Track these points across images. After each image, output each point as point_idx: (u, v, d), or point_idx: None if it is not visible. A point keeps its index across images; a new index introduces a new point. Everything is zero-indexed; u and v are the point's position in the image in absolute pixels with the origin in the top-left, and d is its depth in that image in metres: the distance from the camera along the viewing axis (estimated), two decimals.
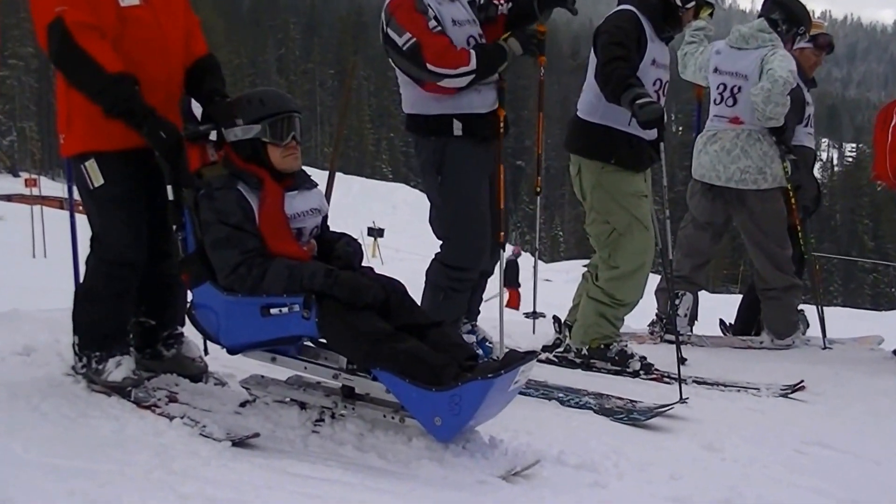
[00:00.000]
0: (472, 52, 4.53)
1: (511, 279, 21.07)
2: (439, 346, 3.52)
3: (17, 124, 66.28)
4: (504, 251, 5.02)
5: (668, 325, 6.22)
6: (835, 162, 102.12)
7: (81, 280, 4.09)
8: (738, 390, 5.08)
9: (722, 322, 7.04)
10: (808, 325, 6.55)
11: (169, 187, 3.73)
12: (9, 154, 65.53)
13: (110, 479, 2.97)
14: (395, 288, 3.68)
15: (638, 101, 4.67)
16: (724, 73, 6.20)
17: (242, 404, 3.84)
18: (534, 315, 5.90)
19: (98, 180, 3.82)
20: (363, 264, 3.86)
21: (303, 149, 3.85)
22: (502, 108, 4.78)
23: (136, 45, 3.79)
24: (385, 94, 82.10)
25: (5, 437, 3.29)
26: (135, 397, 3.80)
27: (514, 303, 20.28)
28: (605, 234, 5.30)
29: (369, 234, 36.26)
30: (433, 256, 4.83)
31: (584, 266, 6.04)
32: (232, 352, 3.76)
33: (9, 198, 42.62)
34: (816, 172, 7.82)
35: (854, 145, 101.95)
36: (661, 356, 5.41)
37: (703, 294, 6.75)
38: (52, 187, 42.36)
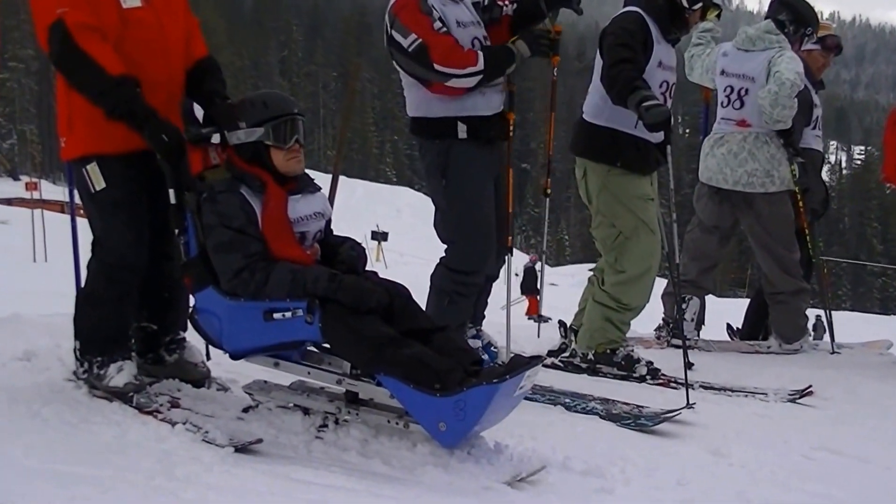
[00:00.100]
0: (480, 52, 4.51)
1: (530, 286, 21.13)
2: (444, 350, 3.50)
3: (18, 127, 66.34)
4: (511, 255, 5.00)
5: (674, 330, 6.19)
6: (843, 165, 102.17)
7: (83, 284, 4.07)
8: (746, 395, 5.06)
9: (729, 326, 7.02)
10: (825, 331, 6.51)
11: (171, 190, 3.71)
12: (9, 157, 65.64)
13: (112, 485, 2.96)
14: (399, 292, 3.66)
15: (644, 104, 4.64)
16: (730, 76, 6.16)
17: (245, 410, 3.82)
18: (539, 319, 5.87)
19: (100, 184, 3.80)
20: (367, 268, 3.84)
21: (305, 152, 3.84)
22: (512, 111, 4.77)
23: (137, 47, 3.77)
24: (389, 97, 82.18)
25: (6, 442, 3.26)
26: (137, 403, 3.78)
27: (533, 310, 20.38)
28: (612, 237, 5.27)
29: (373, 238, 36.32)
30: (438, 261, 4.80)
31: (590, 270, 6.03)
32: (234, 357, 3.74)
33: (9, 201, 42.58)
34: (825, 175, 7.80)
35: (863, 148, 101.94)
36: (668, 361, 5.39)
37: (710, 298, 6.72)
38: (53, 191, 42.48)
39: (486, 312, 5.17)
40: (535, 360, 3.52)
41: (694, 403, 4.56)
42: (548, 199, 5.79)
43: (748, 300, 7.51)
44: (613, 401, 4.59)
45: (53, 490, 2.86)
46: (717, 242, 6.46)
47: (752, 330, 6.76)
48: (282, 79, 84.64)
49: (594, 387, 4.93)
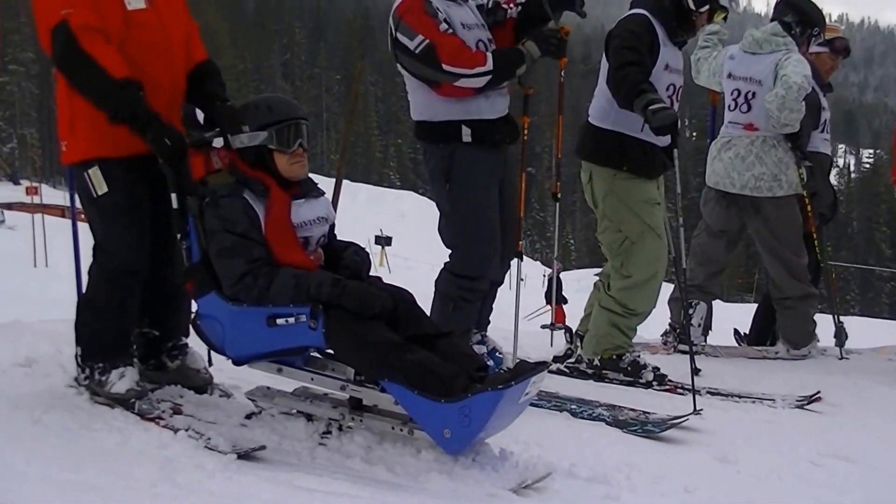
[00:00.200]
0: (489, 53, 4.49)
1: (556, 295, 20.95)
2: (449, 356, 3.48)
3: (18, 131, 66.44)
4: (522, 260, 4.98)
5: (681, 335, 6.16)
6: (852, 168, 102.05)
7: (84, 290, 4.05)
8: (753, 401, 5.03)
9: (736, 332, 6.97)
10: (847, 337, 6.46)
11: (173, 195, 3.69)
12: (9, 161, 65.76)
13: (114, 492, 2.95)
14: (403, 297, 3.65)
15: (651, 107, 4.61)
16: (737, 79, 6.14)
17: (248, 416, 3.80)
18: (552, 327, 5.82)
19: (102, 188, 3.77)
20: (371, 273, 3.83)
21: (309, 155, 3.83)
22: (526, 115, 4.77)
23: (140, 49, 3.75)
24: (393, 100, 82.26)
25: (7, 449, 3.25)
26: (138, 409, 3.76)
27: (559, 318, 20.28)
28: (618, 242, 5.25)
29: (377, 243, 36.26)
30: (442, 265, 4.77)
31: (596, 275, 5.99)
32: (237, 363, 3.72)
33: (9, 206, 42.57)
34: (833, 179, 7.75)
35: (871, 151, 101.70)
36: (675, 367, 5.36)
37: (717, 303, 6.70)
38: (54, 195, 42.48)
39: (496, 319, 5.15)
40: (540, 366, 3.50)
41: (701, 409, 4.54)
42: (557, 204, 5.76)
43: (755, 305, 7.47)
44: (620, 407, 4.57)
45: (54, 497, 2.85)
46: (725, 247, 6.43)
47: (760, 335, 6.72)
48: (285, 82, 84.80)
49: (600, 393, 4.91)
